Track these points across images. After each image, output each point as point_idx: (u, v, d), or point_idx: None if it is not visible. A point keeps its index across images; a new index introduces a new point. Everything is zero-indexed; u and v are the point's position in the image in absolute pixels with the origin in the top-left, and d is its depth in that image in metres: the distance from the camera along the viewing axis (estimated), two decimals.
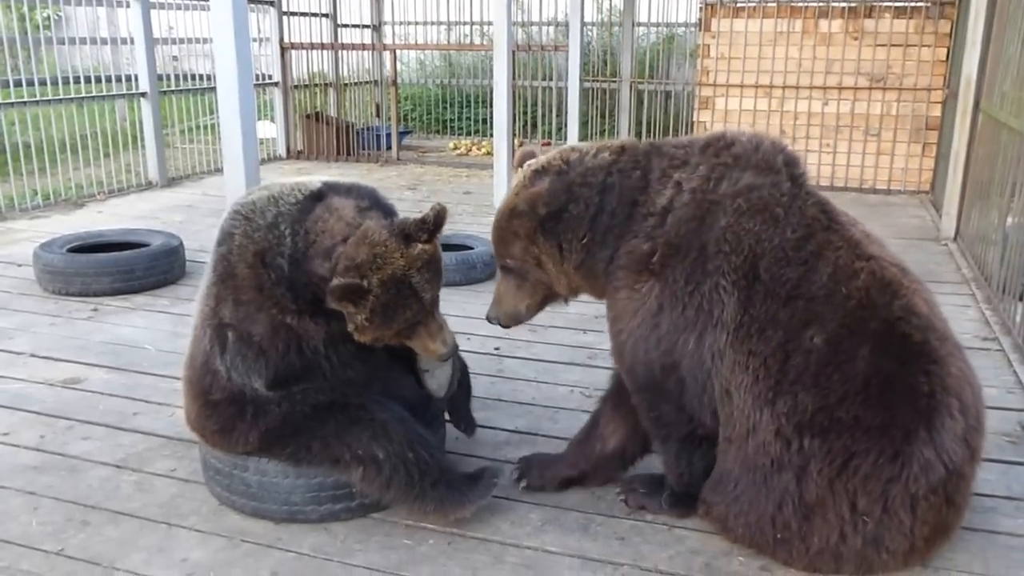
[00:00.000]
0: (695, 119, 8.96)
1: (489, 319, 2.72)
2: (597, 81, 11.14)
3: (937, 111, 8.11)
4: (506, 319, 2.69)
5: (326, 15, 10.94)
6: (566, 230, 2.49)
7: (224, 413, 2.60)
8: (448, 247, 5.25)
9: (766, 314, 2.25)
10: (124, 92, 8.38)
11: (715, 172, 2.38)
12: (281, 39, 10.12)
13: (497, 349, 4.14)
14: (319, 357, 2.55)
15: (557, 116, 10.74)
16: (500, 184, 7.01)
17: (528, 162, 2.64)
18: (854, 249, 2.31)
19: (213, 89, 5.51)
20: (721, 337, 2.29)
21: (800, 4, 8.38)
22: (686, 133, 9.70)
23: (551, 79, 10.90)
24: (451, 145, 11.36)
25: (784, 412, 2.23)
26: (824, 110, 8.42)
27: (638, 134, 10.56)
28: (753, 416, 2.28)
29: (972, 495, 2.46)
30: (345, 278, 2.36)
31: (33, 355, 4.03)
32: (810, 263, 2.27)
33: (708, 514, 2.52)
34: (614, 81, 10.70)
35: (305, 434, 2.55)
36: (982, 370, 3.78)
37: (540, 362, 3.96)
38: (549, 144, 11.15)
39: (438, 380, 2.83)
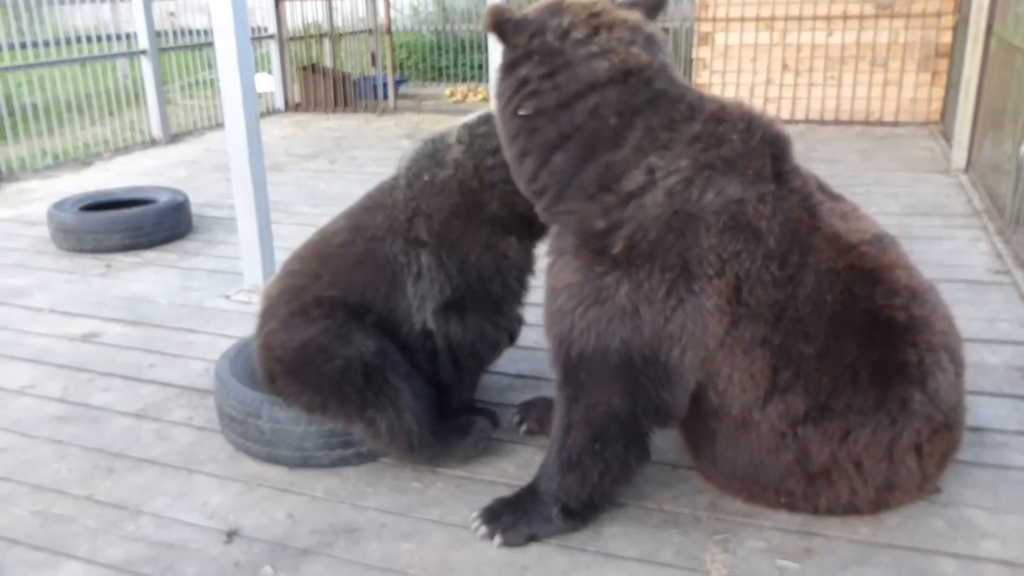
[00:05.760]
0: (694, 56, 8.77)
1: None
2: None
3: (947, 37, 7.89)
4: None
5: None
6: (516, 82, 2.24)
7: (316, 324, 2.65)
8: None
9: (752, 336, 2.16)
10: (124, 51, 8.35)
11: (699, 176, 2.13)
12: None
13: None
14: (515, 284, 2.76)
15: None
16: None
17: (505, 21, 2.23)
18: (834, 245, 2.21)
19: (211, 44, 5.49)
20: (700, 353, 2.20)
21: None
22: (685, 71, 9.49)
23: None
24: (447, 92, 11.22)
25: (776, 415, 2.21)
26: (828, 41, 8.22)
27: None
28: (743, 416, 2.24)
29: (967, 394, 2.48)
30: None
31: (52, 311, 4.15)
32: (795, 278, 2.16)
33: (707, 479, 2.52)
34: None
35: (323, 391, 2.60)
36: (993, 304, 3.88)
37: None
38: None
39: None
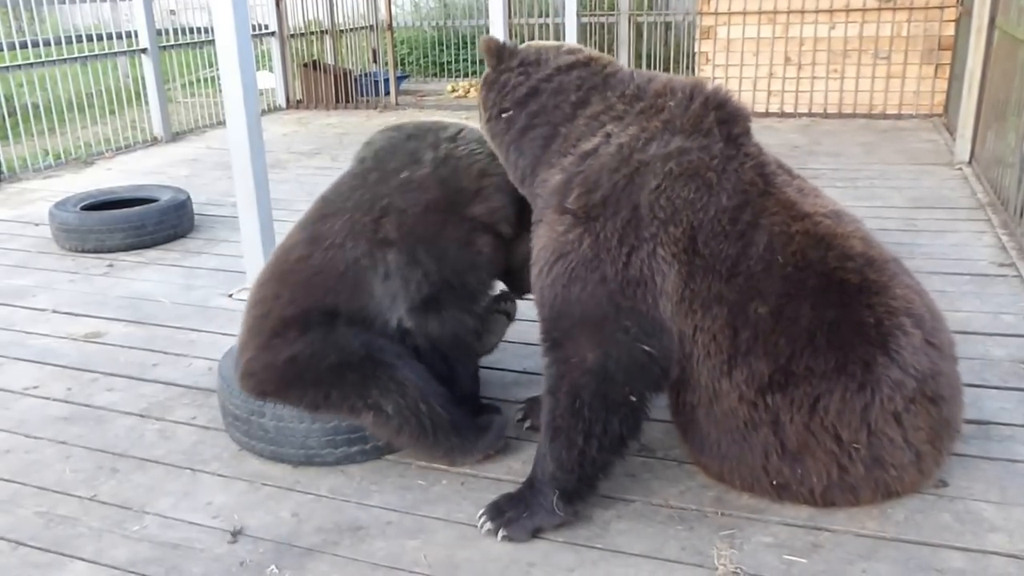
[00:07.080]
0: (696, 50, 8.75)
1: None
2: (595, 15, 10.88)
3: (950, 30, 7.88)
4: None
5: None
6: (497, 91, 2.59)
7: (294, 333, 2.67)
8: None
9: (709, 291, 2.24)
10: (125, 49, 8.33)
11: (645, 133, 2.35)
12: None
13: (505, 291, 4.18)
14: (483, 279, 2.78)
15: None
16: None
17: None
18: (789, 211, 2.29)
19: (212, 42, 5.49)
20: (667, 307, 2.26)
21: None
22: (688, 65, 9.49)
23: (548, 15, 10.68)
24: (449, 88, 11.21)
25: (743, 380, 2.25)
26: (831, 34, 8.21)
27: (638, 68, 10.36)
28: (713, 385, 2.29)
29: (963, 384, 2.48)
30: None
31: (55, 311, 4.15)
32: (747, 235, 2.25)
33: (705, 471, 2.54)
34: (612, 14, 10.45)
35: (324, 384, 2.61)
36: (998, 297, 3.87)
37: None
38: None
39: (495, 336, 3.08)
